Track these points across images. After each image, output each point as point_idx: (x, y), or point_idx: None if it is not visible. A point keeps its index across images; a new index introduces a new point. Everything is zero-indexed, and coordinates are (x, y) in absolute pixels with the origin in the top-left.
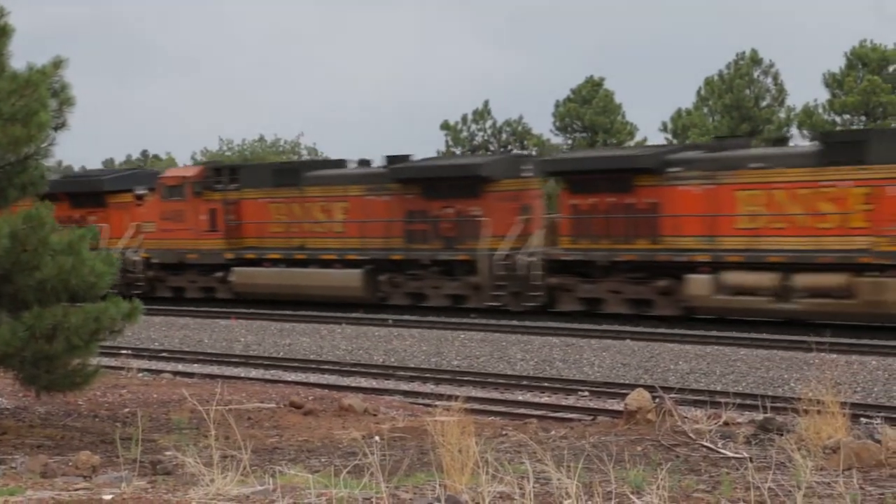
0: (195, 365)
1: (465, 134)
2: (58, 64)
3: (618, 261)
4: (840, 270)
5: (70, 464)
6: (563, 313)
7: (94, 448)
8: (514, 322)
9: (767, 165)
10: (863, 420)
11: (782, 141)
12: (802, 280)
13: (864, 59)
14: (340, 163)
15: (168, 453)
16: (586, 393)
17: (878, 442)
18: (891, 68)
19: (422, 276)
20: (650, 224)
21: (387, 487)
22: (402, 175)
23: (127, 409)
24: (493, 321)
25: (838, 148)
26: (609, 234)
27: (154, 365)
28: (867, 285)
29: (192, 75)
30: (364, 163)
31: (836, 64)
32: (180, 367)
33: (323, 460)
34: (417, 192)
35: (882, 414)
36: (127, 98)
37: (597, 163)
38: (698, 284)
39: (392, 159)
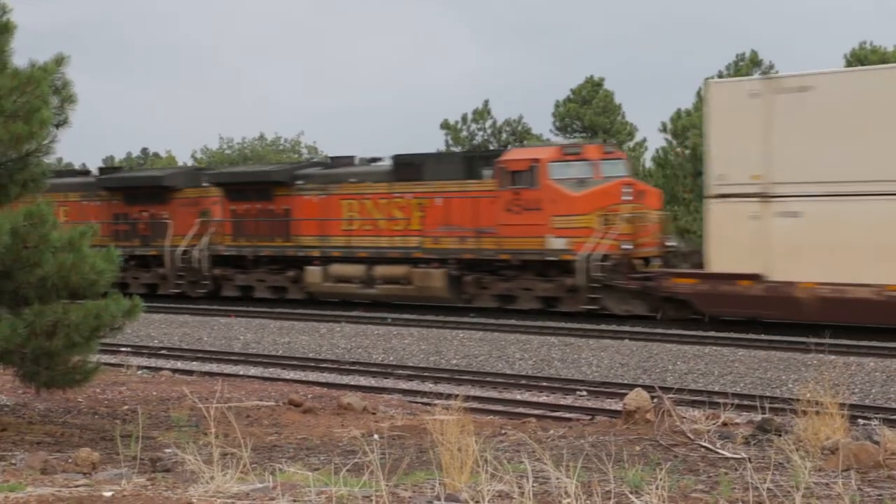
0: (194, 363)
1: (465, 133)
2: (60, 61)
3: (261, 255)
4: (403, 263)
5: (70, 460)
6: (564, 313)
7: (93, 445)
8: (514, 321)
9: (360, 180)
10: (861, 421)
11: (375, 160)
12: (380, 270)
13: (864, 61)
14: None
15: (168, 451)
16: (585, 392)
17: (877, 443)
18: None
19: (125, 268)
20: (284, 226)
21: (386, 486)
22: (107, 184)
23: (126, 407)
24: (492, 320)
25: (403, 168)
26: (257, 233)
27: (153, 362)
28: (418, 274)
29: (192, 73)
30: (83, 172)
31: (836, 65)
32: (179, 364)
33: (322, 458)
34: (121, 199)
35: (880, 415)
36: (126, 95)
37: (246, 176)
38: (313, 274)
39: (103, 171)
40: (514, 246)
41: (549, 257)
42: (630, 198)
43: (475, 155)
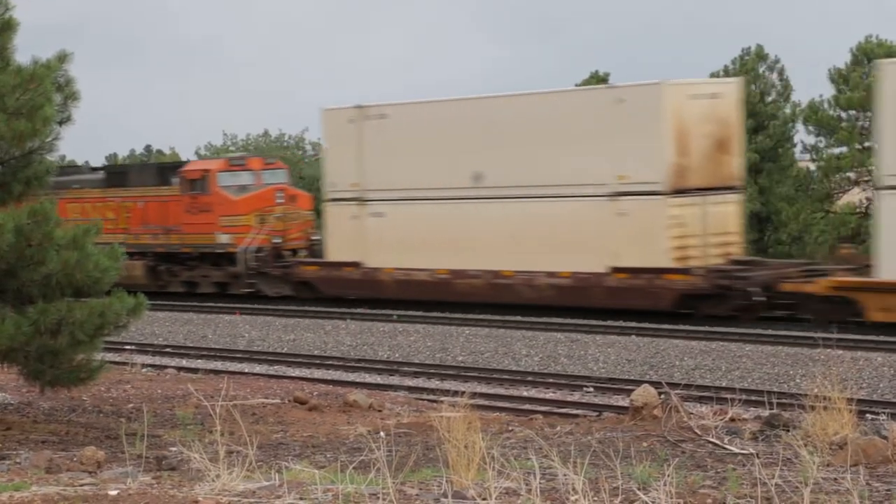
0: (199, 360)
1: None
2: (63, 58)
3: None
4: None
5: (75, 459)
6: (569, 309)
7: (98, 444)
8: (519, 318)
9: (82, 186)
10: (869, 416)
11: (96, 169)
12: None
13: (871, 55)
14: None
15: (173, 449)
16: (592, 389)
17: (885, 438)
18: None
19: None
20: None
21: (393, 483)
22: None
23: (131, 405)
24: (497, 317)
25: (113, 176)
26: None
27: (158, 360)
28: (124, 265)
29: (195, 69)
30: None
31: (842, 60)
32: (184, 362)
33: (328, 456)
34: None
35: (888, 410)
36: (130, 92)
37: None
38: None
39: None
40: (193, 241)
41: (219, 250)
42: (282, 201)
43: (166, 166)
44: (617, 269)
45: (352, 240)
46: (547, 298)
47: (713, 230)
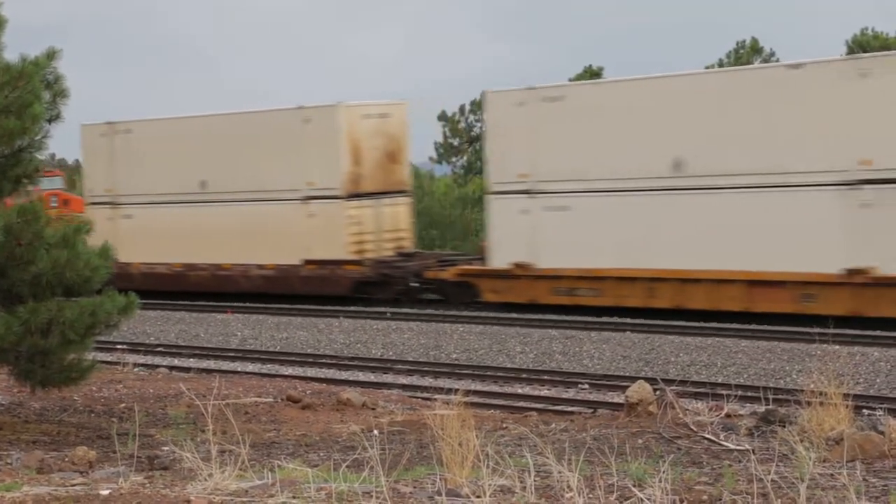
0: (191, 359)
1: (462, 125)
2: (51, 55)
3: None
4: None
5: (66, 459)
6: (562, 307)
7: (90, 443)
8: (514, 315)
9: None
10: (865, 411)
11: None
12: None
13: (866, 47)
14: None
15: (165, 448)
16: (586, 385)
17: (882, 433)
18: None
19: None
20: None
21: (387, 481)
22: None
23: (123, 405)
24: (492, 314)
25: None
26: None
27: (150, 360)
28: None
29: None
30: None
31: (838, 51)
32: (176, 361)
33: (322, 454)
34: None
35: (885, 405)
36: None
37: None
38: None
39: None
40: None
41: None
42: (56, 205)
43: None
44: (308, 262)
45: (108, 238)
46: (259, 287)
47: (386, 227)
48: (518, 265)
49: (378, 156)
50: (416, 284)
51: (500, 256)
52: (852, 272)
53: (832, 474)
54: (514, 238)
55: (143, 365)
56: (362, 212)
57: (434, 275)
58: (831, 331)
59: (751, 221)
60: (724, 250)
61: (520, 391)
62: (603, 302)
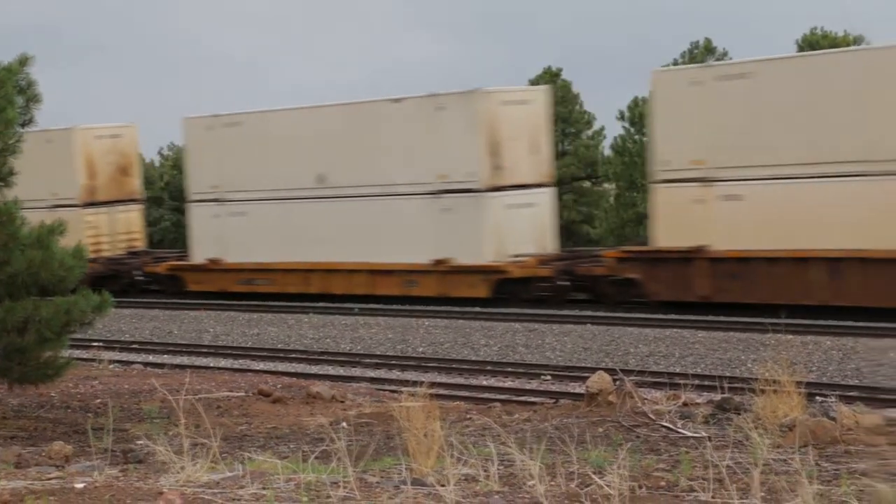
0: (165, 356)
1: None
2: (24, 61)
3: None
4: None
5: (43, 454)
6: (526, 300)
7: (66, 438)
8: (478, 308)
9: None
10: (818, 398)
11: None
12: None
13: (816, 46)
14: None
15: (139, 442)
16: (549, 377)
17: (833, 419)
18: None
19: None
20: None
21: (354, 471)
22: None
23: (98, 400)
24: (456, 308)
25: None
26: None
27: (125, 356)
28: None
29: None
30: None
31: (789, 51)
32: (151, 358)
33: (291, 446)
34: None
35: (837, 392)
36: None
37: None
38: None
39: None
40: None
41: None
42: None
43: None
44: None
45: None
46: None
47: (120, 231)
48: (212, 260)
49: (111, 170)
50: (141, 278)
51: (199, 253)
52: (438, 262)
53: (785, 459)
54: (208, 238)
55: (118, 361)
56: (97, 218)
57: (151, 269)
58: (784, 321)
59: (372, 223)
60: (354, 247)
61: (484, 383)
62: (273, 289)
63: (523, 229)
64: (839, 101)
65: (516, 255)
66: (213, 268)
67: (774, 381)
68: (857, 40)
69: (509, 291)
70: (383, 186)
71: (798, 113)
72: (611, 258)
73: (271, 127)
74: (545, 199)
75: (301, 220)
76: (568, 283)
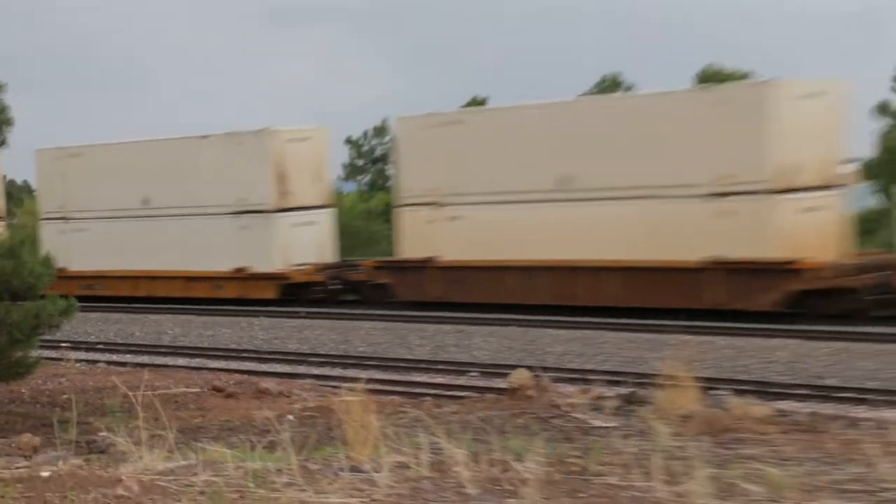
0: (127, 355)
1: (366, 148)
2: None
3: None
4: None
5: (13, 445)
6: (458, 305)
7: (35, 431)
8: (413, 312)
9: None
10: (712, 392)
11: None
12: None
13: (711, 79)
14: None
15: (101, 434)
16: (476, 373)
17: (726, 410)
18: None
19: None
20: None
21: (297, 460)
22: None
23: (65, 396)
24: (395, 311)
25: None
26: None
27: (90, 356)
28: None
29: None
30: None
31: (688, 84)
32: (114, 357)
33: (241, 437)
34: None
35: (729, 386)
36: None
37: None
38: None
39: None
40: None
41: None
42: None
43: None
44: None
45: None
46: None
47: None
48: (59, 269)
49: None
50: None
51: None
52: (238, 270)
53: (683, 446)
54: (56, 250)
55: (84, 360)
56: None
57: None
58: (684, 323)
59: (186, 238)
60: (173, 257)
61: (417, 379)
62: (109, 293)
63: (305, 243)
64: (530, 144)
65: (299, 264)
66: (59, 275)
67: (674, 377)
68: (748, 75)
69: (293, 294)
70: (195, 207)
71: (497, 152)
72: (368, 267)
73: (107, 158)
74: (325, 219)
75: (130, 236)
76: (340, 286)
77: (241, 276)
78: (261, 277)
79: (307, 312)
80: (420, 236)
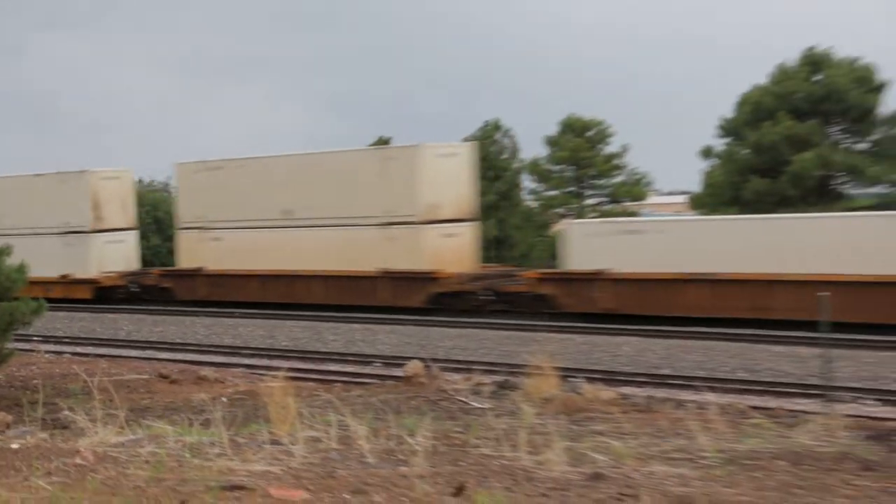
0: (89, 347)
1: None
2: None
3: None
4: None
5: None
6: (366, 307)
7: (8, 410)
8: (330, 313)
9: None
10: (570, 379)
11: None
12: None
13: (572, 127)
14: None
15: (64, 413)
16: (379, 364)
17: (581, 394)
18: (588, 133)
19: None
20: None
21: (227, 434)
22: None
23: (35, 381)
24: (313, 312)
25: None
26: None
27: (58, 348)
28: None
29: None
30: None
31: (553, 129)
32: (77, 349)
33: (182, 416)
34: None
35: (584, 375)
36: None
37: None
38: None
39: None
40: None
41: None
42: None
43: None
44: None
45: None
46: None
47: None
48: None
49: None
50: None
51: None
52: (63, 276)
53: (544, 423)
54: None
55: (52, 352)
56: None
57: None
58: (548, 323)
59: (31, 251)
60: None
61: (330, 368)
62: None
63: (115, 256)
64: (265, 185)
65: (107, 272)
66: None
67: (539, 367)
68: (600, 123)
69: (104, 295)
70: (35, 229)
71: (244, 191)
72: (156, 274)
73: None
74: (131, 238)
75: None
76: (138, 289)
77: (65, 281)
78: (80, 282)
79: (240, 313)
80: (193, 252)
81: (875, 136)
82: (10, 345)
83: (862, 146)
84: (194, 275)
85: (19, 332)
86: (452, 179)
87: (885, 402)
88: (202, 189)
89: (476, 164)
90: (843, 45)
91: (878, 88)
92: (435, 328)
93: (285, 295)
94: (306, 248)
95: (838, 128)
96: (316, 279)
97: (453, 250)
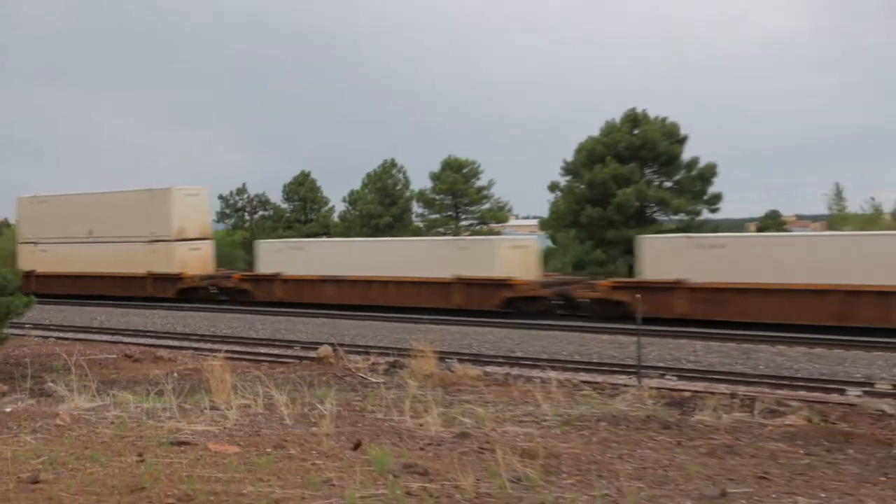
0: (70, 333)
1: (232, 201)
2: None
3: None
4: None
5: None
6: (292, 304)
7: (3, 382)
8: (259, 308)
9: None
10: (446, 360)
11: None
12: None
13: (451, 165)
14: None
15: (48, 384)
16: (299, 347)
17: (453, 371)
18: (464, 170)
19: None
20: None
21: (176, 402)
22: None
23: (26, 359)
24: (246, 307)
25: None
26: None
27: (46, 333)
28: None
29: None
30: None
31: (437, 167)
32: (60, 334)
33: (142, 388)
34: None
35: (456, 356)
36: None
37: None
38: None
39: None
40: None
41: None
42: None
43: None
44: None
45: None
46: None
47: None
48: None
49: None
50: None
51: None
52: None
53: (425, 395)
54: None
55: (41, 336)
56: None
57: None
58: (430, 317)
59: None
60: None
61: (260, 351)
62: None
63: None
64: (74, 213)
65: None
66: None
67: (422, 351)
68: (473, 162)
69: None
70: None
71: (60, 216)
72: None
73: None
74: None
75: None
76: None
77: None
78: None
79: (191, 307)
80: (29, 260)
81: (678, 177)
82: (7, 331)
83: (668, 184)
84: (28, 275)
85: (14, 320)
86: (195, 211)
87: (681, 378)
88: (34, 215)
89: (210, 202)
90: (657, 106)
91: (681, 141)
92: (344, 320)
93: (86, 288)
94: (104, 258)
95: (651, 169)
96: (112, 279)
97: (200, 261)
